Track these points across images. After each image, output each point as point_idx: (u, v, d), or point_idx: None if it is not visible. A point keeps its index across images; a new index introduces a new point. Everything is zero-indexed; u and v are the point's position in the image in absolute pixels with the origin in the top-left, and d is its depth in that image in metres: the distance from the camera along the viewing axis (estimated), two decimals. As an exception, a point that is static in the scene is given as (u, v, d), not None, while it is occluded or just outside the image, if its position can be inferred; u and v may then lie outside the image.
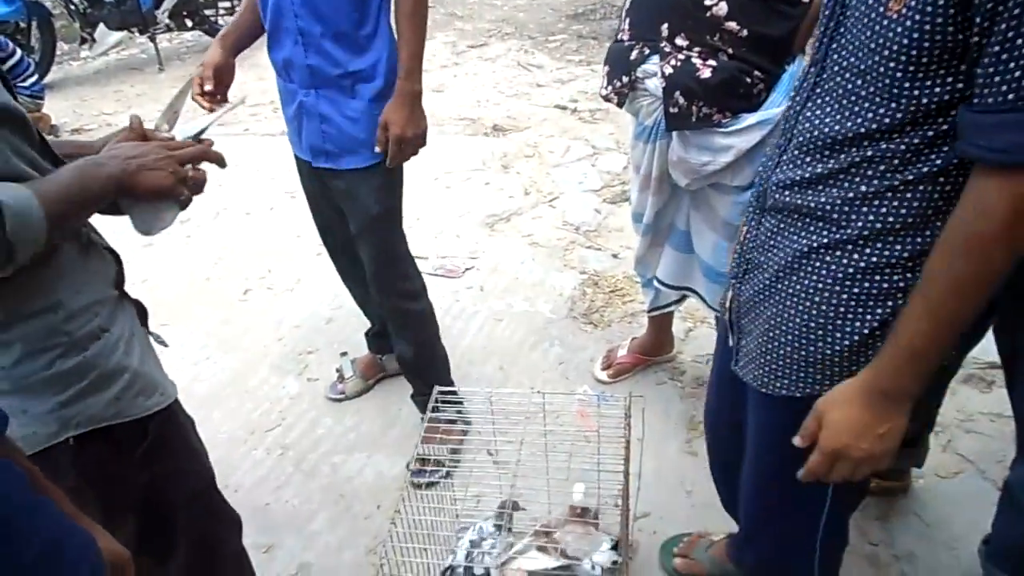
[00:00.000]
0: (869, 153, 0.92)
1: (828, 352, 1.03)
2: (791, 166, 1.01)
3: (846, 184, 0.95)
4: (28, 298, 0.91)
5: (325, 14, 1.66)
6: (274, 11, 1.71)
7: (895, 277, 0.95)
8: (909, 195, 0.91)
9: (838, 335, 1.01)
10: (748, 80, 1.65)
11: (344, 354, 2.48)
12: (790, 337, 1.06)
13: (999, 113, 0.77)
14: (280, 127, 2.27)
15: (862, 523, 1.85)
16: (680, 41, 1.67)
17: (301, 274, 3.08)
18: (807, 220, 1.00)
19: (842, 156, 0.94)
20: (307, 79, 1.75)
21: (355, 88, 1.75)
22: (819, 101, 0.97)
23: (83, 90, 5.61)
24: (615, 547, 1.63)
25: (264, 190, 3.74)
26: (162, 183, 1.00)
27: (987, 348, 1.54)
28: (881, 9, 0.84)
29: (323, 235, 2.18)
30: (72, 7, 5.60)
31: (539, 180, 3.67)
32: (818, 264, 1.00)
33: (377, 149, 1.78)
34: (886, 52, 0.84)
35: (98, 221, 1.06)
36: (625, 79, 1.79)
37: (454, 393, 1.81)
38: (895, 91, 0.86)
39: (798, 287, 1.03)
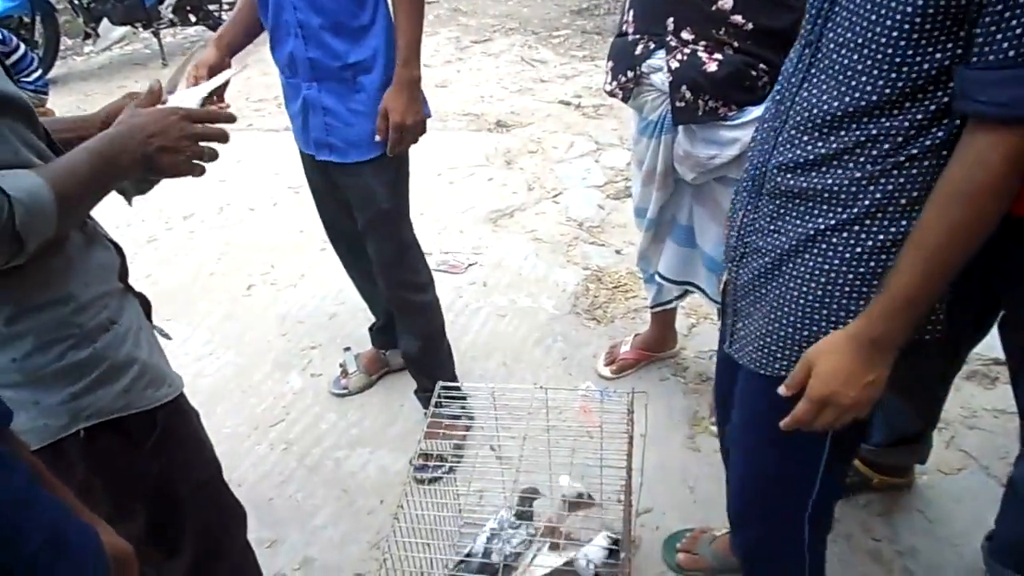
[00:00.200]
0: (873, 131, 0.93)
1: (831, 332, 1.03)
2: (790, 147, 1.02)
3: (851, 164, 0.96)
4: (39, 290, 0.92)
5: (323, 5, 1.67)
6: (274, 7, 1.71)
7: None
8: (915, 171, 0.93)
9: (842, 314, 1.02)
10: (754, 73, 1.65)
11: (347, 349, 2.48)
12: (794, 318, 1.06)
13: (1001, 70, 0.81)
14: (284, 122, 2.27)
15: (865, 519, 1.86)
16: (686, 35, 1.67)
17: (305, 269, 3.08)
18: (812, 203, 1.01)
19: (843, 135, 0.95)
20: (309, 72, 1.75)
21: (357, 80, 1.75)
22: (815, 80, 0.98)
23: (87, 85, 5.61)
24: (617, 543, 1.64)
25: (268, 186, 3.74)
26: (183, 167, 1.00)
27: (991, 344, 1.54)
28: None
29: (329, 230, 2.19)
30: (76, 2, 5.61)
31: (542, 176, 3.67)
32: (825, 246, 1.01)
33: (378, 138, 1.79)
34: (888, 22, 0.87)
35: (98, 214, 1.07)
36: (630, 74, 1.78)
37: (457, 389, 1.81)
38: (897, 60, 0.88)
39: (803, 269, 1.03)
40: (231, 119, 1.12)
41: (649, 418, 1.61)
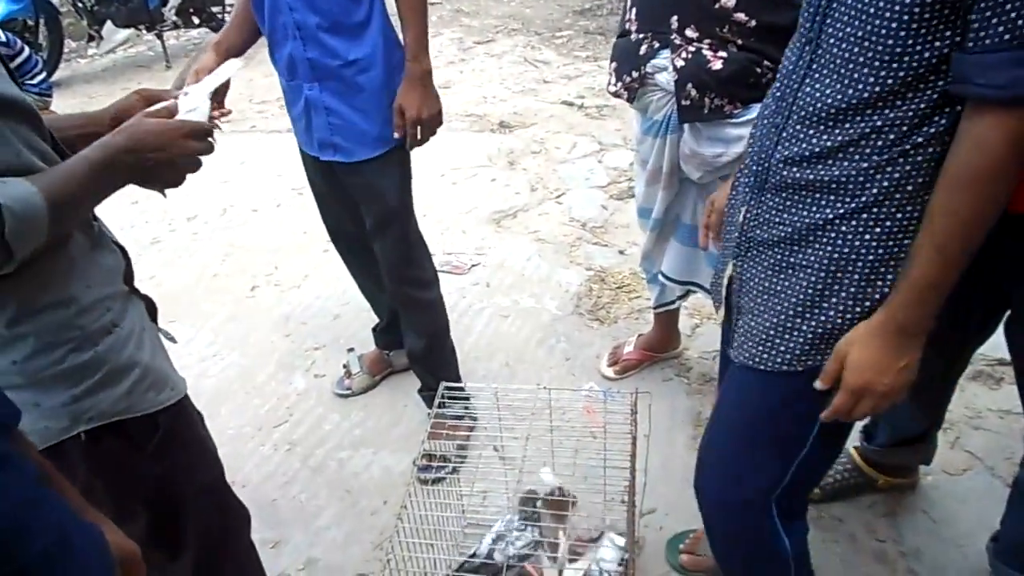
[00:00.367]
0: (878, 123, 0.94)
1: (839, 321, 1.04)
2: (794, 142, 1.03)
3: (857, 155, 0.97)
4: (41, 292, 0.92)
5: (319, 5, 1.67)
6: (270, 9, 1.71)
7: (907, 241, 0.98)
8: (920, 158, 0.95)
9: (850, 303, 1.03)
10: (758, 70, 1.65)
11: (351, 350, 2.48)
12: (802, 308, 1.06)
13: (997, 52, 0.82)
14: (286, 124, 2.28)
15: (870, 519, 1.85)
16: (690, 33, 1.67)
17: (308, 270, 3.08)
18: (819, 194, 1.02)
19: (848, 127, 0.97)
20: (309, 73, 1.75)
21: (357, 78, 1.75)
22: (817, 76, 0.99)
23: (91, 88, 5.63)
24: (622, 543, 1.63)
25: (271, 187, 3.75)
26: (178, 181, 1.00)
27: (996, 344, 1.54)
28: None
29: (332, 232, 2.19)
30: (80, 5, 5.62)
31: (545, 176, 3.67)
32: (834, 235, 1.02)
33: (396, 135, 1.80)
34: (888, 14, 0.88)
35: (104, 217, 1.07)
36: (635, 74, 1.79)
37: (461, 389, 1.81)
38: (899, 50, 0.89)
39: (812, 259, 1.04)
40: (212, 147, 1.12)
41: (652, 419, 1.61)
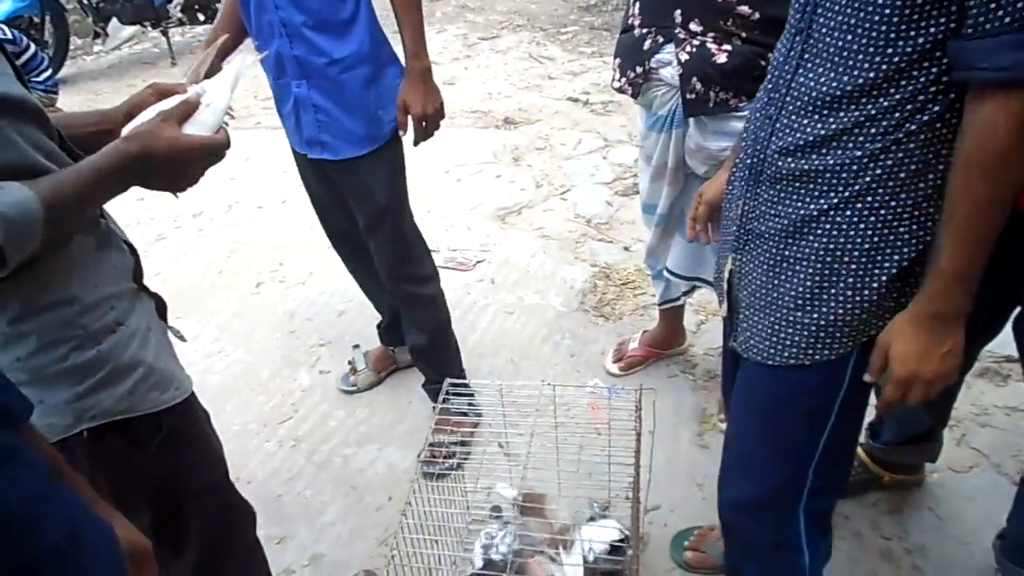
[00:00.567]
0: (872, 111, 0.95)
1: (840, 312, 1.04)
2: (789, 132, 1.03)
3: (851, 144, 0.97)
4: (43, 291, 0.91)
5: (304, 2, 1.66)
6: (256, 7, 1.71)
7: (902, 228, 0.99)
8: (913, 145, 0.95)
9: (849, 292, 1.03)
10: (762, 63, 1.64)
11: (356, 347, 2.49)
12: (802, 301, 1.07)
13: (998, 36, 0.83)
14: (291, 120, 2.29)
15: (875, 517, 1.85)
16: (694, 27, 1.67)
17: (313, 267, 3.09)
18: (813, 184, 1.02)
19: (842, 115, 0.97)
20: (297, 71, 1.75)
21: (344, 76, 1.74)
22: (809, 66, 0.99)
23: (96, 84, 5.64)
24: (626, 539, 1.63)
25: (276, 183, 3.75)
26: (187, 187, 1.00)
27: (1003, 342, 1.53)
28: None
29: (328, 230, 2.19)
30: (85, 2, 5.63)
31: (550, 173, 3.66)
32: (829, 226, 1.02)
33: (400, 132, 1.81)
34: (880, 0, 0.89)
35: (110, 214, 1.07)
36: (639, 69, 1.78)
37: (465, 385, 1.81)
38: (892, 35, 0.90)
39: (808, 251, 1.05)
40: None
41: (657, 415, 1.61)
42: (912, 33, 0.89)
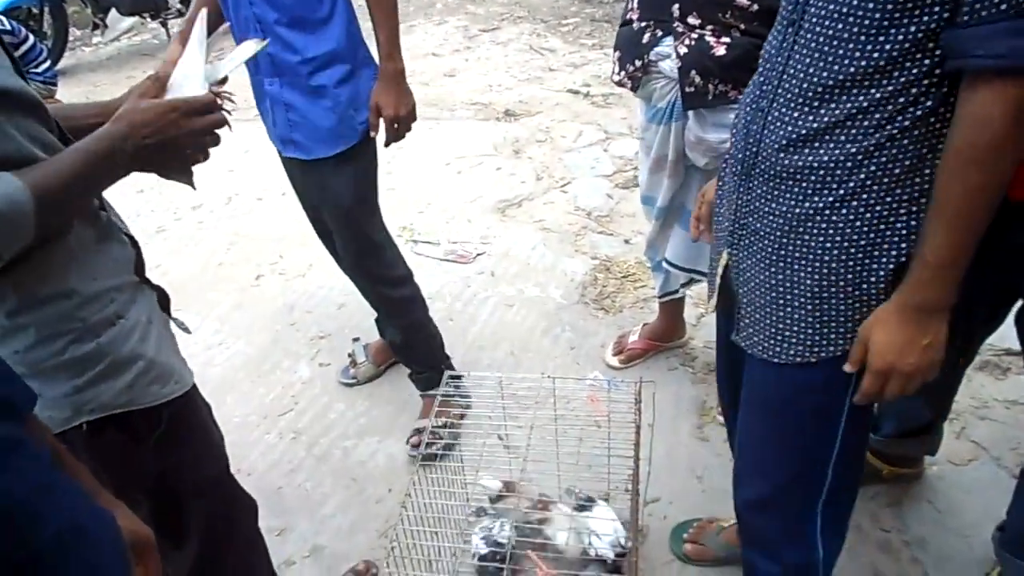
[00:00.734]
0: (864, 103, 0.94)
1: (842, 307, 1.04)
2: (781, 125, 1.02)
3: (843, 137, 0.96)
4: (41, 284, 0.91)
5: (279, 0, 1.64)
6: (233, 2, 1.69)
7: (899, 224, 0.98)
8: (906, 141, 0.94)
9: (850, 289, 1.03)
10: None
11: (356, 339, 2.49)
12: (804, 300, 1.06)
13: (994, 24, 0.82)
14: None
15: (875, 509, 1.85)
16: (692, 20, 1.66)
17: (313, 259, 3.08)
18: (806, 183, 1.01)
19: (834, 106, 0.96)
20: (270, 69, 1.73)
21: (316, 75, 1.72)
22: (800, 56, 0.98)
23: (96, 76, 5.63)
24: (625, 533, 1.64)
25: (276, 175, 3.70)
26: (179, 165, 0.98)
27: (1004, 335, 1.53)
28: None
29: (314, 225, 2.18)
30: (84, -7, 5.62)
31: (551, 165, 3.66)
32: (825, 225, 1.01)
33: (372, 133, 1.80)
34: None
35: (114, 205, 1.06)
36: (638, 63, 1.78)
37: (458, 378, 1.82)
38: (885, 23, 0.89)
39: (806, 249, 1.04)
40: (224, 119, 1.08)
41: (657, 408, 1.61)
42: (905, 21, 0.88)
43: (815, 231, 1.02)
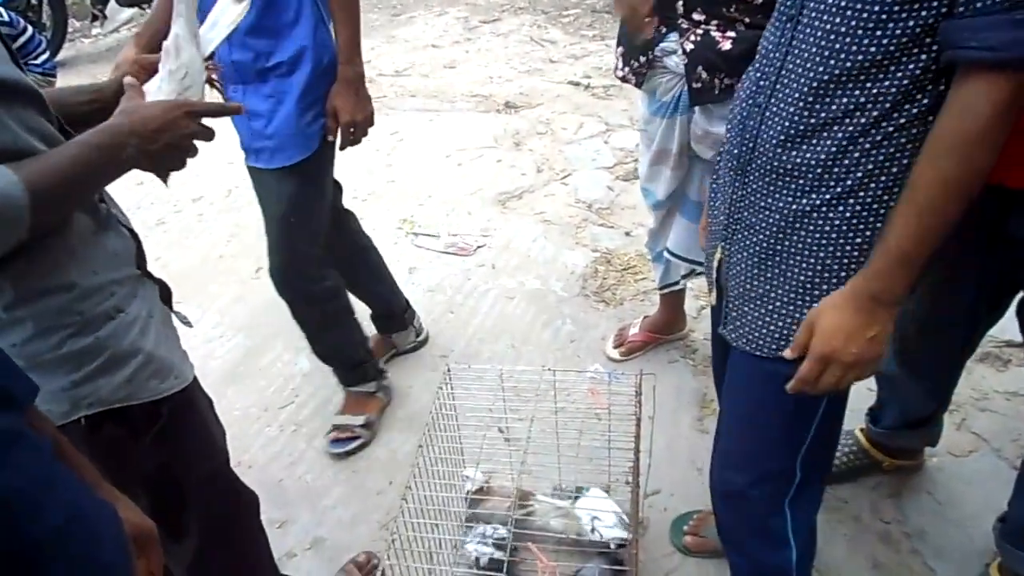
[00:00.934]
0: (861, 99, 0.93)
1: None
2: (778, 120, 1.02)
3: (840, 134, 0.96)
4: (39, 277, 0.90)
5: None
6: (199, 6, 1.66)
7: None
8: (904, 139, 0.94)
9: (842, 287, 1.02)
10: None
11: (356, 332, 2.48)
12: (794, 295, 1.07)
13: (988, 15, 0.82)
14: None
15: (875, 501, 1.85)
16: (697, 16, 1.66)
17: (313, 252, 3.08)
18: (802, 180, 1.01)
19: (830, 102, 0.95)
20: (234, 75, 1.70)
21: (280, 83, 1.69)
22: (798, 51, 0.98)
23: (95, 68, 5.61)
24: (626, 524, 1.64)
25: (276, 168, 3.73)
26: (176, 164, 0.99)
27: (1004, 326, 1.53)
28: None
29: None
30: (83, -16, 5.59)
31: (551, 157, 3.65)
32: (821, 222, 1.01)
33: (329, 137, 1.77)
34: None
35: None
36: (643, 59, 1.78)
37: (448, 369, 1.82)
38: (883, 16, 0.88)
39: (801, 246, 1.04)
40: (238, 111, 1.10)
41: (657, 400, 1.61)
42: (904, 16, 0.87)
43: (811, 227, 1.02)
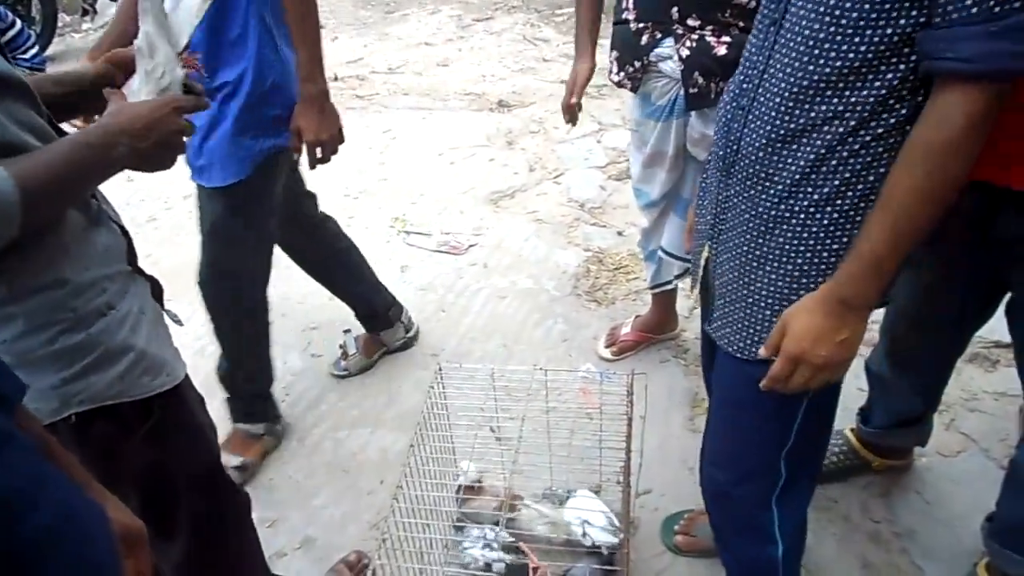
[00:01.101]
0: (839, 107, 0.94)
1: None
2: (760, 124, 1.02)
3: (818, 142, 0.97)
4: (32, 273, 0.90)
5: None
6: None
7: None
8: (881, 148, 0.95)
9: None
10: None
11: (347, 331, 2.48)
12: (772, 300, 1.08)
13: (965, 27, 0.83)
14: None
15: (864, 500, 1.86)
16: (691, 22, 1.67)
17: (305, 250, 3.07)
18: (782, 185, 1.02)
19: (809, 108, 0.96)
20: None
21: (221, 104, 1.64)
22: (779, 55, 0.99)
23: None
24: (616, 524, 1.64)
25: (267, 165, 3.72)
26: (166, 162, 0.99)
27: (993, 327, 1.54)
28: None
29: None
30: (73, -22, 5.55)
31: (544, 156, 3.65)
32: (799, 228, 1.02)
33: (295, 156, 1.74)
34: None
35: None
36: (638, 64, 1.78)
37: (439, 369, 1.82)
38: (861, 23, 0.89)
39: (779, 251, 1.05)
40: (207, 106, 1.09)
41: (649, 400, 1.61)
42: (882, 23, 0.88)
43: (789, 234, 1.03)
